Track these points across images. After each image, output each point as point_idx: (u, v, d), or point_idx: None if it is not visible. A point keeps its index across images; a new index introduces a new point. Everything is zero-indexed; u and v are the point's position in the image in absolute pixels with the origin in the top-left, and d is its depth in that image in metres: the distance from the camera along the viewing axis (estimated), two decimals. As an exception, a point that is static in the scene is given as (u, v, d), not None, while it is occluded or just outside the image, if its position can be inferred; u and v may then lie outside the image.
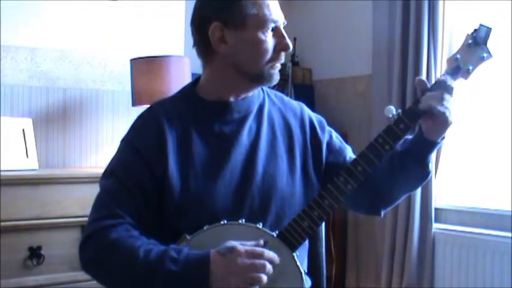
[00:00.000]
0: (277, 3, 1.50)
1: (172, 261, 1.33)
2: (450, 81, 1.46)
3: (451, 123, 1.45)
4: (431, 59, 3.03)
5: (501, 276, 2.77)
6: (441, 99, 1.43)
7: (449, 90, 1.45)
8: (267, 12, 1.46)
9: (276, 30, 1.49)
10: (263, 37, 1.47)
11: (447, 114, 1.43)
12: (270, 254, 1.35)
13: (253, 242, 1.36)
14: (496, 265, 2.79)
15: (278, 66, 1.51)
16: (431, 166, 1.55)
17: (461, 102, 3.01)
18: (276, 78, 1.51)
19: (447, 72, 1.49)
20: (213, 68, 1.53)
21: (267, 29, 1.47)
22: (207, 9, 1.50)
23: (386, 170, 1.54)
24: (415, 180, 1.56)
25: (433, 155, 1.55)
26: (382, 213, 1.64)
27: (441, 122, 1.45)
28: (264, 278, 1.33)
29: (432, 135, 1.48)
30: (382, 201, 1.62)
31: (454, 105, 1.44)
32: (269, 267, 1.33)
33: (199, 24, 1.51)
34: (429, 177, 1.57)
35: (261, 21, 1.46)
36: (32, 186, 2.42)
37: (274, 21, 1.48)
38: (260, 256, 1.33)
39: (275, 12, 1.48)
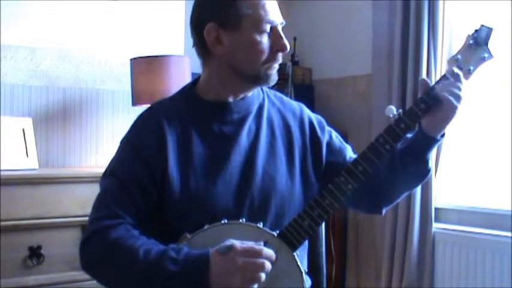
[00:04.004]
0: (274, 3, 1.50)
1: (172, 261, 1.33)
2: (462, 75, 1.48)
3: (455, 115, 1.46)
4: (431, 59, 3.03)
5: (501, 276, 2.77)
6: (457, 88, 1.45)
7: (461, 82, 1.47)
8: (262, 12, 1.46)
9: (273, 31, 1.48)
10: (258, 38, 1.46)
11: (457, 105, 1.44)
12: (268, 251, 1.35)
13: (252, 243, 1.36)
14: (496, 265, 2.79)
15: (275, 66, 1.51)
16: (431, 163, 1.55)
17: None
18: (274, 78, 1.51)
19: (448, 73, 1.49)
20: (211, 68, 1.53)
21: (263, 29, 1.46)
22: (203, 10, 1.50)
23: (386, 168, 1.54)
24: (415, 178, 1.57)
25: (433, 154, 1.56)
26: (384, 211, 1.65)
27: (448, 113, 1.46)
28: (263, 276, 1.33)
29: (433, 129, 1.48)
30: (383, 199, 1.63)
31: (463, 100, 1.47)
32: (268, 265, 1.33)
33: (196, 25, 1.51)
34: (429, 175, 1.58)
35: (256, 22, 1.46)
36: (32, 186, 2.42)
37: (270, 22, 1.47)
38: (259, 254, 1.33)
39: (271, 13, 1.47)
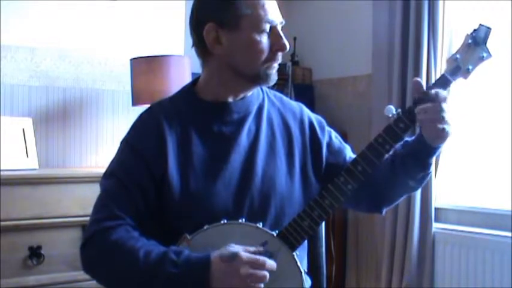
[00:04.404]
0: (274, 3, 1.50)
1: (172, 263, 1.34)
2: (442, 92, 1.43)
3: (448, 136, 1.44)
4: (431, 59, 3.03)
5: (501, 276, 2.77)
6: (439, 112, 1.41)
7: (443, 100, 1.42)
8: (261, 12, 1.46)
9: (272, 31, 1.48)
10: (258, 38, 1.46)
11: (447, 129, 1.42)
12: (271, 264, 1.36)
13: (254, 249, 1.36)
14: (496, 265, 2.79)
15: (275, 66, 1.50)
16: (432, 168, 1.55)
17: (462, 103, 3.01)
18: (274, 78, 1.51)
19: (447, 73, 1.48)
20: (211, 68, 1.53)
21: (262, 29, 1.46)
22: (202, 10, 1.50)
23: (387, 170, 1.54)
24: (415, 181, 1.56)
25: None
26: (384, 211, 1.65)
27: (439, 136, 1.44)
28: (262, 286, 1.33)
29: (433, 142, 1.47)
30: (383, 200, 1.63)
31: (451, 114, 1.43)
32: (268, 276, 1.34)
33: (196, 25, 1.51)
34: (429, 178, 1.57)
35: (256, 22, 1.45)
36: (32, 186, 2.42)
37: (270, 22, 1.47)
38: (262, 266, 1.33)
39: (271, 13, 1.47)
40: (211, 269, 1.32)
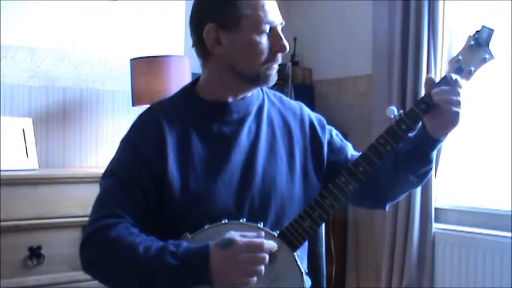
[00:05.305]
0: (274, 4, 1.50)
1: (172, 255, 1.34)
2: (460, 80, 1.47)
3: (458, 120, 1.45)
4: (431, 59, 3.03)
5: (501, 276, 2.77)
6: (456, 95, 1.44)
7: (461, 87, 1.46)
8: (261, 13, 1.46)
9: (272, 31, 1.48)
10: (258, 38, 1.46)
11: (459, 114, 1.44)
12: (269, 244, 1.35)
13: (254, 234, 1.36)
14: (496, 265, 2.79)
15: (275, 67, 1.51)
16: (433, 163, 1.55)
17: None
18: (274, 79, 1.51)
19: (450, 74, 1.49)
20: (211, 68, 1.53)
21: (262, 30, 1.46)
22: (202, 10, 1.51)
23: (389, 167, 1.54)
24: (417, 176, 1.56)
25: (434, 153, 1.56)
26: (387, 206, 1.65)
27: (451, 120, 1.45)
28: (263, 269, 1.33)
29: (437, 132, 1.48)
30: (386, 196, 1.63)
31: (464, 101, 1.45)
32: (267, 258, 1.33)
33: (196, 25, 1.51)
34: (430, 174, 1.58)
35: (256, 23, 1.46)
36: (32, 186, 2.42)
37: (270, 22, 1.47)
38: (259, 248, 1.33)
39: (271, 13, 1.47)
40: (210, 258, 1.32)
